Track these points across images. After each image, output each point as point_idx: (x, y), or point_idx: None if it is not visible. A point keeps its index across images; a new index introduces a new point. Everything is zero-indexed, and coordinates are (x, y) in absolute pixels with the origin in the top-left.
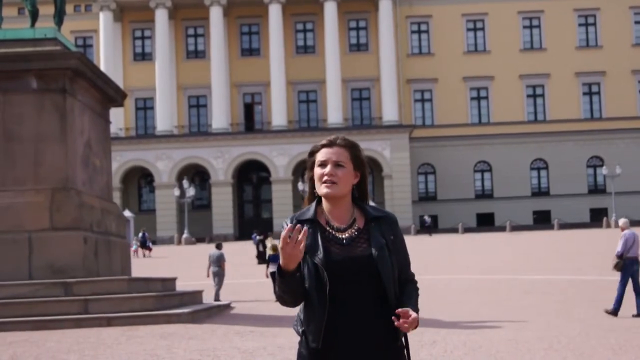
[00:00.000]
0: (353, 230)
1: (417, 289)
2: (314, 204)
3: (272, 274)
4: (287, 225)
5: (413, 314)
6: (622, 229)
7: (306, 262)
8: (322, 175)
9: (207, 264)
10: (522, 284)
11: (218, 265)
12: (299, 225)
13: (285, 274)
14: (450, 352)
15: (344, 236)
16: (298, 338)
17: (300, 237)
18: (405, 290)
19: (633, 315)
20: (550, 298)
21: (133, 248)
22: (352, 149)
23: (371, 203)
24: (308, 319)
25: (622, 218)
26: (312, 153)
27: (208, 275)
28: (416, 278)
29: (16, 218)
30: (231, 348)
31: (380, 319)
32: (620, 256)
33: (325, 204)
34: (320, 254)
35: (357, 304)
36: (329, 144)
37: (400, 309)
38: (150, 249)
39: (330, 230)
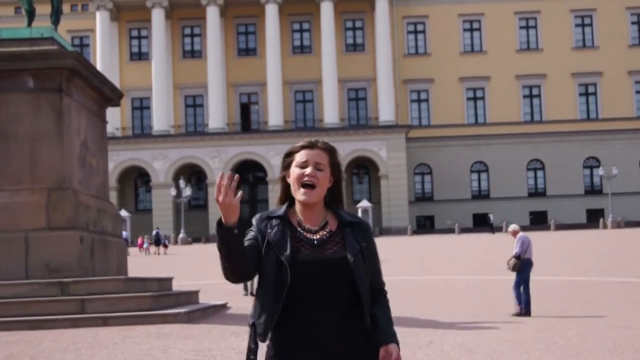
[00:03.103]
0: (325, 233)
1: (388, 301)
2: (286, 205)
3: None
4: (257, 217)
5: (395, 352)
6: (515, 234)
7: (270, 256)
8: (303, 175)
9: None
10: None
11: None
12: (230, 172)
13: (225, 228)
14: (446, 353)
15: (315, 237)
16: None
17: (233, 183)
18: (379, 306)
19: (514, 314)
20: (547, 299)
21: (144, 246)
22: (331, 153)
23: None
24: (260, 310)
25: (512, 224)
26: (291, 153)
27: None
28: (392, 285)
29: (12, 217)
30: (227, 348)
31: (346, 320)
32: (517, 257)
33: (298, 206)
34: (287, 251)
35: (321, 305)
36: (310, 146)
37: (383, 351)
38: (166, 246)
39: (301, 231)
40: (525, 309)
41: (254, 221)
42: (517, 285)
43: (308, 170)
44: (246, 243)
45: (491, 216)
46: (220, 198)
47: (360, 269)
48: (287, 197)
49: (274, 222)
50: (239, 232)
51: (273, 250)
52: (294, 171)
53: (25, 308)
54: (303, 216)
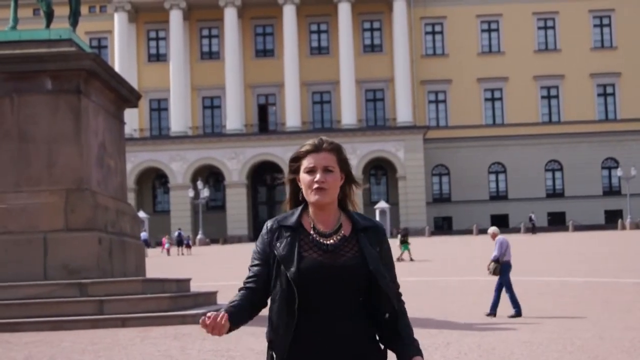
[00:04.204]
0: (338, 237)
1: (404, 306)
2: (299, 209)
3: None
4: (268, 226)
5: None
6: (494, 236)
7: (279, 273)
8: (312, 182)
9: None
10: (536, 285)
11: None
12: (214, 314)
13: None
14: (464, 354)
15: (328, 242)
16: None
17: (222, 322)
18: (398, 313)
19: (486, 314)
20: (565, 300)
21: (166, 246)
22: (338, 152)
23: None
24: (276, 327)
25: (491, 227)
26: (298, 159)
27: None
28: (404, 287)
29: (31, 219)
30: (245, 349)
31: (359, 328)
32: (496, 260)
33: (311, 208)
34: (294, 268)
35: (334, 313)
36: (315, 149)
37: None
38: (189, 247)
39: (315, 235)
40: (492, 311)
41: (264, 230)
42: (499, 287)
43: (317, 176)
44: (253, 268)
45: (533, 216)
46: (212, 333)
47: (382, 274)
48: (295, 199)
49: (285, 233)
50: (235, 324)
51: (282, 264)
52: (304, 177)
53: (44, 309)
54: (316, 218)
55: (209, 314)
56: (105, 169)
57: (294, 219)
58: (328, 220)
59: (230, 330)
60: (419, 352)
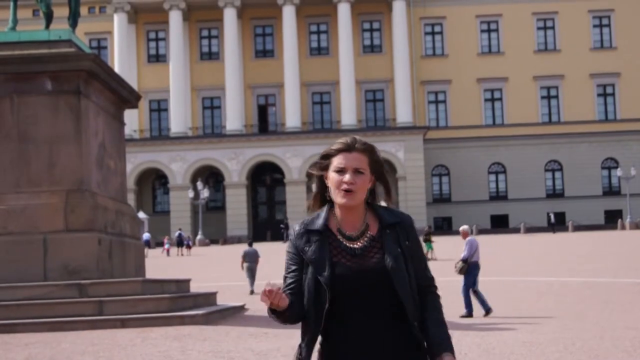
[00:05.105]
0: (365, 239)
1: (437, 300)
2: (325, 210)
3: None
4: (295, 230)
5: None
6: (465, 236)
7: (309, 275)
8: (341, 182)
9: (241, 260)
10: (536, 285)
11: (253, 261)
12: (271, 288)
13: (276, 312)
14: (464, 354)
15: (356, 246)
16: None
17: (277, 297)
18: (429, 308)
19: (461, 316)
20: (565, 300)
21: (166, 247)
22: (371, 153)
23: (382, 203)
24: (304, 332)
25: (463, 225)
26: (328, 156)
27: (242, 269)
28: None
29: (31, 219)
30: (245, 350)
31: (394, 332)
32: (465, 260)
33: (337, 208)
34: (326, 272)
35: (365, 316)
36: (347, 149)
37: None
38: (190, 247)
39: (342, 239)
40: (468, 312)
41: (293, 236)
42: (466, 288)
43: (346, 177)
44: (291, 274)
45: (552, 215)
46: (271, 302)
47: (401, 274)
48: (322, 197)
49: (313, 237)
50: (291, 311)
51: (312, 267)
52: (332, 176)
53: (44, 310)
54: (343, 220)
55: (269, 287)
56: (105, 169)
57: (320, 222)
58: (354, 221)
59: (284, 313)
60: (449, 350)
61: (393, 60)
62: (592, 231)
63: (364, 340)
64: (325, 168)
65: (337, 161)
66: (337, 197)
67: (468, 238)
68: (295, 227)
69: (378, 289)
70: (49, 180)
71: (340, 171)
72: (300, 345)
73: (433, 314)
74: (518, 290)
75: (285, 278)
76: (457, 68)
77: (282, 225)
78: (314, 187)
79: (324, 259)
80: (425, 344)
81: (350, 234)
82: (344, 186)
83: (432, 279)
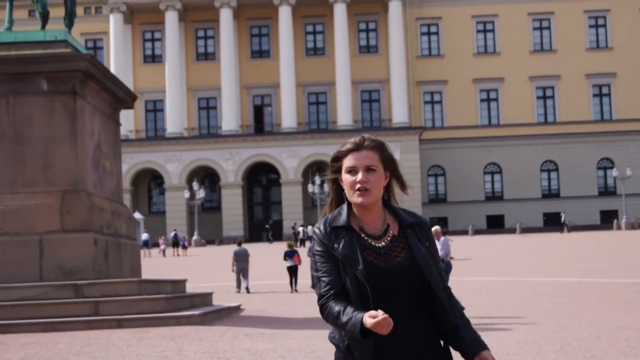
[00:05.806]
0: (388, 238)
1: (458, 301)
2: (345, 208)
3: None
4: (321, 229)
5: (490, 357)
6: (438, 236)
7: (346, 274)
8: (354, 182)
9: (232, 260)
10: (532, 285)
11: (244, 260)
12: (385, 318)
13: (365, 334)
14: (459, 355)
15: (380, 244)
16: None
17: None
18: (453, 310)
19: None
20: (561, 300)
21: (162, 247)
22: (381, 149)
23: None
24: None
25: (435, 226)
26: (339, 158)
27: (233, 270)
28: None
29: (27, 220)
30: (241, 350)
31: (418, 327)
32: (442, 260)
33: (356, 208)
34: (360, 265)
35: (392, 314)
36: (357, 148)
37: None
38: (185, 248)
39: (366, 238)
40: None
41: (320, 236)
42: None
43: (359, 176)
44: (327, 273)
45: (563, 215)
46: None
47: (433, 271)
48: (338, 199)
49: (340, 233)
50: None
51: (344, 266)
52: (346, 178)
53: (40, 310)
54: (363, 220)
55: (383, 316)
56: (100, 170)
57: (343, 218)
58: (374, 221)
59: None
60: (485, 347)
61: (389, 60)
62: (587, 231)
63: (388, 336)
64: (338, 171)
65: (348, 162)
66: (353, 198)
67: (442, 238)
68: (320, 227)
69: (402, 286)
70: (44, 181)
71: (352, 171)
72: (347, 347)
73: (458, 314)
74: (514, 290)
75: (319, 279)
76: (453, 68)
77: (267, 226)
78: (313, 188)
79: (356, 254)
80: (454, 342)
81: (373, 233)
82: (358, 185)
83: (446, 281)
